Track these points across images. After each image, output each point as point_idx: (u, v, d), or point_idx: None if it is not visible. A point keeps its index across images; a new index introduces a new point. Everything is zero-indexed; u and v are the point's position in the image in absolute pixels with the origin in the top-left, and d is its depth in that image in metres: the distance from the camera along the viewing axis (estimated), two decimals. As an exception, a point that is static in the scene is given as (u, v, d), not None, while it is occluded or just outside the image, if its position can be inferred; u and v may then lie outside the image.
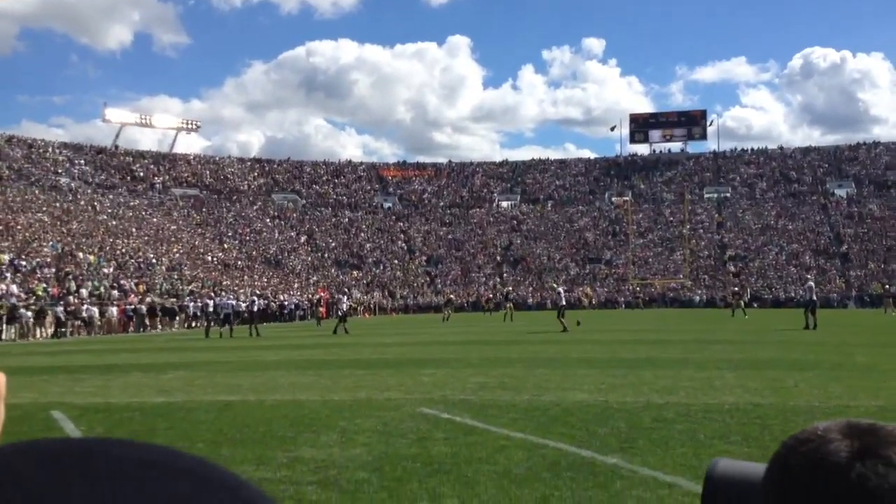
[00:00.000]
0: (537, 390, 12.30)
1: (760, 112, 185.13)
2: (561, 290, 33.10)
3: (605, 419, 9.49)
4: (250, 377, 15.37)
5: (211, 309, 36.78)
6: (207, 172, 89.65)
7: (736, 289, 58.17)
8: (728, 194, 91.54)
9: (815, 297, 30.90)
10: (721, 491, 0.99)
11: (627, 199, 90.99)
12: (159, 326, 43.68)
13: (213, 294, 45.96)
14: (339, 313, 34.98)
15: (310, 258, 78.50)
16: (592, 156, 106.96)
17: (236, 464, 7.35)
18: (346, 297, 38.98)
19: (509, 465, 7.09)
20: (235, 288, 57.36)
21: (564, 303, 31.39)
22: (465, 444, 8.09)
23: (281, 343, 27.49)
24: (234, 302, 37.11)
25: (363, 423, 9.52)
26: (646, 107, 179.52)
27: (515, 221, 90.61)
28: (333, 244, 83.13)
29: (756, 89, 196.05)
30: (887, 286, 57.77)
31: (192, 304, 46.51)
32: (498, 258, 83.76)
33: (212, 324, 35.20)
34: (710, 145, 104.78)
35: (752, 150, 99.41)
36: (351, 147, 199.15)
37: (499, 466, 7.07)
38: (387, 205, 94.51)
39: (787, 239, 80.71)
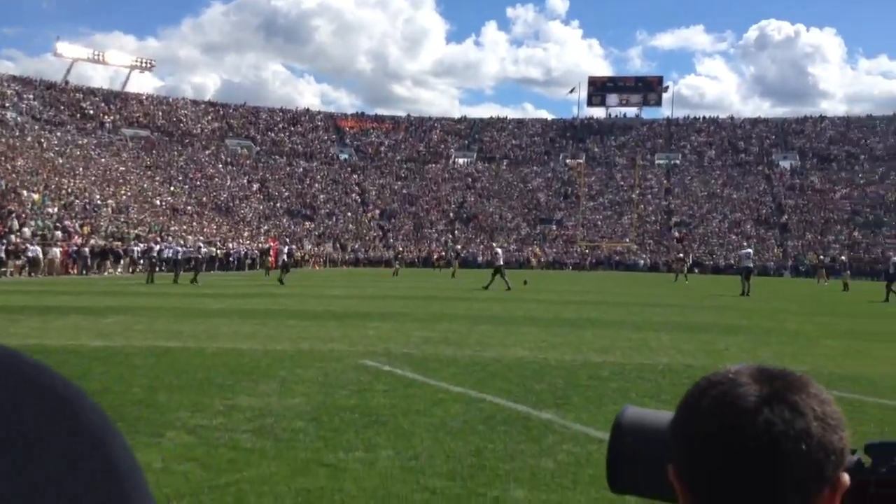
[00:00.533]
0: (479, 346, 12.50)
1: (714, 81, 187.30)
2: (499, 250, 33.73)
3: (542, 376, 9.71)
4: (192, 324, 15.32)
5: (155, 254, 36.33)
6: (160, 114, 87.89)
7: (679, 254, 59.14)
8: (678, 161, 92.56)
9: (750, 265, 31.47)
10: (629, 435, 1.02)
11: (581, 161, 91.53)
12: (105, 270, 43.02)
13: (158, 239, 45.36)
14: (281, 263, 35.08)
15: (261, 207, 77.73)
16: (550, 117, 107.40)
17: (172, 410, 7.37)
18: (286, 248, 38.70)
19: (446, 418, 7.23)
20: (183, 234, 56.68)
21: (501, 262, 31.74)
22: (403, 397, 8.22)
23: (226, 292, 27.31)
24: (179, 248, 36.61)
25: (303, 374, 9.60)
26: (605, 70, 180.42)
27: (470, 179, 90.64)
28: (286, 193, 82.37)
29: (712, 58, 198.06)
30: (822, 257, 59.26)
31: (136, 248, 45.82)
32: (451, 215, 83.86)
33: (156, 269, 34.80)
34: (665, 112, 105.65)
35: (704, 118, 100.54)
36: (309, 95, 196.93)
37: (435, 419, 7.21)
38: (343, 156, 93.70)
39: (730, 207, 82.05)
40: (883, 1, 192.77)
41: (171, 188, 72.14)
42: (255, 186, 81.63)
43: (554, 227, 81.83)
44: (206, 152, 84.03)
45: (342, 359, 10.84)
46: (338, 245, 73.64)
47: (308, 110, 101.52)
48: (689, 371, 10.14)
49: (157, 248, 37.77)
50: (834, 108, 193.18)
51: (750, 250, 33.87)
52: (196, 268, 34.07)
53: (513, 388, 8.79)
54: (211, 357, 10.96)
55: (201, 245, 37.40)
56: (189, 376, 9.34)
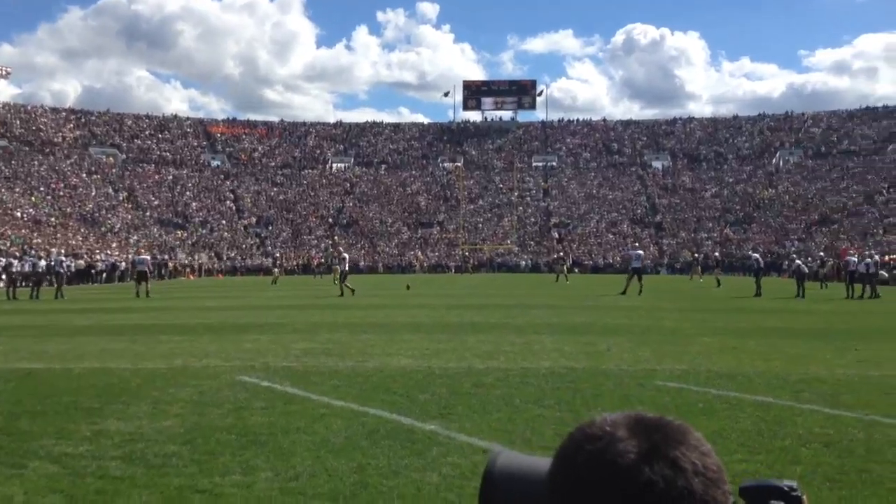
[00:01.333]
0: (361, 356, 12.23)
1: (585, 84, 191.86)
2: (346, 255, 33.77)
3: (426, 385, 9.53)
4: (57, 343, 14.46)
5: (16, 269, 34.31)
6: (18, 122, 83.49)
7: (559, 255, 60.33)
8: (554, 163, 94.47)
9: (639, 265, 32.17)
10: (501, 485, 0.93)
11: (459, 165, 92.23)
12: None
13: (18, 253, 42.98)
14: (143, 274, 32.23)
15: (130, 217, 74.85)
16: (426, 121, 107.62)
17: (35, 438, 6.89)
18: (148, 257, 36.60)
19: (328, 435, 6.97)
20: (47, 246, 53.95)
21: (347, 268, 31.96)
22: (283, 414, 7.91)
23: (93, 307, 25.97)
24: (38, 261, 34.52)
25: (177, 393, 9.14)
26: (478, 74, 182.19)
27: (348, 184, 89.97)
28: (156, 202, 79.64)
29: (581, 62, 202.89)
30: (696, 254, 61.59)
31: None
32: (330, 220, 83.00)
33: (16, 284, 32.87)
34: (539, 115, 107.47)
35: (578, 120, 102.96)
36: (176, 101, 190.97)
37: (317, 436, 6.94)
38: (214, 163, 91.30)
39: (607, 207, 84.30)
40: (743, 5, 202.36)
41: (33, 199, 68.62)
42: (123, 195, 78.55)
43: (435, 231, 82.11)
44: (69, 161, 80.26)
45: (218, 375, 10.37)
46: (213, 254, 71.71)
47: (176, 116, 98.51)
48: (572, 374, 10.17)
49: (17, 262, 35.69)
50: (701, 109, 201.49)
51: (641, 252, 34.61)
52: (59, 282, 32.23)
53: (396, 400, 8.58)
54: (77, 378, 10.33)
55: (63, 258, 35.43)
56: (54, 400, 8.75)
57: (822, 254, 52.65)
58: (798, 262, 33.14)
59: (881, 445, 6.55)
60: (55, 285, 32.50)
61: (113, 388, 9.51)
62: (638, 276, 31.18)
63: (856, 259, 30.66)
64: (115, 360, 12.10)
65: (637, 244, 48.35)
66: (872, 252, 38.14)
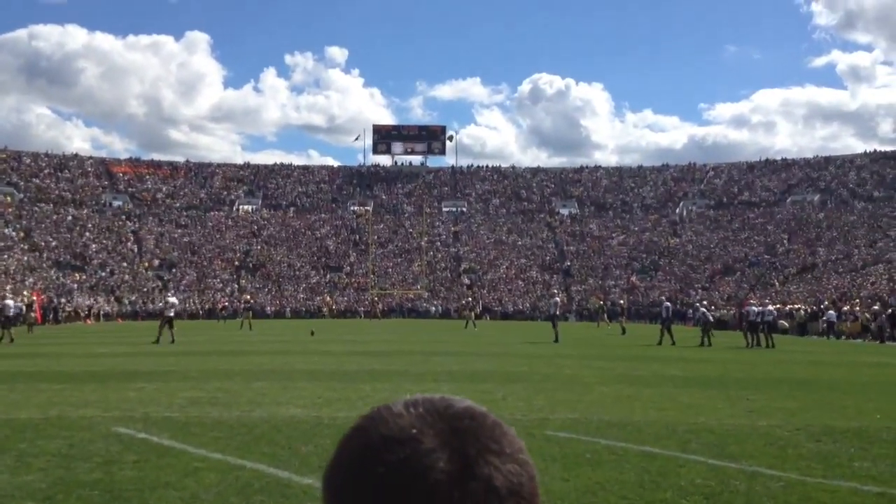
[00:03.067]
0: (250, 405, 11.82)
1: (494, 131, 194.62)
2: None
3: (312, 436, 9.23)
4: (-76, 392, 13.57)
5: None
6: None
7: (467, 301, 60.42)
8: (464, 209, 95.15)
9: (557, 312, 32.35)
10: None
11: (369, 209, 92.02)
12: None
13: None
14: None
15: (26, 258, 71.94)
16: (335, 164, 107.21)
17: None
18: (12, 301, 34.64)
19: (198, 490, 6.63)
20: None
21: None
22: (155, 468, 7.50)
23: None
24: None
25: (46, 445, 8.62)
26: (388, 119, 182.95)
27: (256, 227, 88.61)
28: (54, 243, 76.80)
29: (490, 110, 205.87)
30: (603, 302, 62.48)
31: None
32: (236, 263, 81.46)
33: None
34: (449, 160, 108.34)
35: (488, 167, 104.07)
36: (78, 140, 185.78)
37: (186, 492, 6.59)
38: (116, 203, 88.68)
39: (516, 253, 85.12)
40: (645, 59, 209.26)
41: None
42: (19, 236, 75.56)
43: (344, 276, 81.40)
44: (-37, 199, 77.00)
45: (93, 426, 9.84)
46: (112, 298, 69.41)
47: (77, 155, 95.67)
48: (463, 423, 9.98)
49: None
50: (606, 158, 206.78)
51: (558, 299, 34.82)
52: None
53: (277, 452, 8.25)
54: (-61, 429, 9.64)
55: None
56: None
57: (702, 304, 53.92)
58: (703, 310, 33.76)
59: (761, 497, 6.55)
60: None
61: (-24, 441, 8.91)
62: (554, 322, 31.40)
63: (756, 309, 31.46)
64: (-14, 409, 11.39)
65: (556, 291, 48.68)
66: (767, 302, 39.37)
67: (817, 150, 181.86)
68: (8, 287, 61.46)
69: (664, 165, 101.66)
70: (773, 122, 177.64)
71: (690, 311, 54.59)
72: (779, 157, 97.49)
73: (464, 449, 0.74)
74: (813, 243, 75.13)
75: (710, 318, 33.23)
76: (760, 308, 31.83)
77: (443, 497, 0.71)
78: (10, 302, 33.69)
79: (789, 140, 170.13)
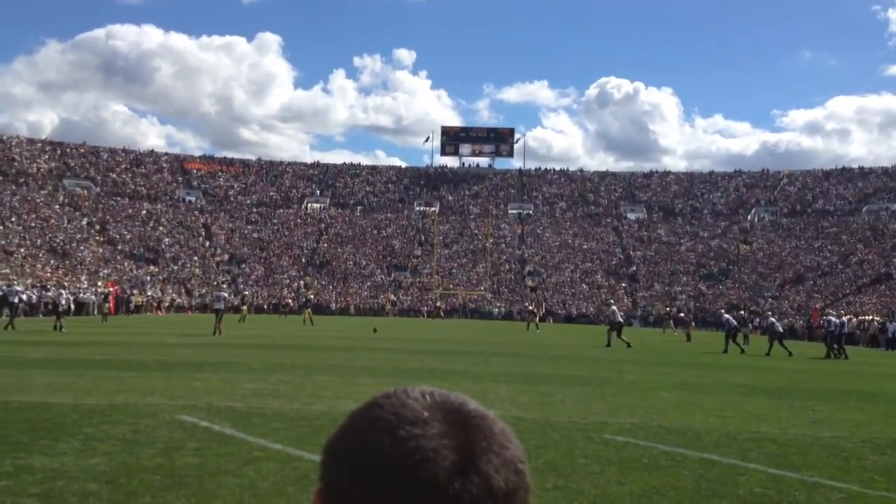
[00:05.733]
0: (310, 399, 11.98)
1: (560, 135, 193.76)
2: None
3: (369, 431, 9.28)
4: (1, 375, 14.06)
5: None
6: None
7: (529, 305, 60.18)
8: (530, 211, 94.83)
9: (619, 319, 31.83)
10: None
11: (435, 209, 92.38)
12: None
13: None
14: (59, 309, 31.67)
15: (101, 250, 74.06)
16: (402, 164, 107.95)
17: (-44, 472, 6.62)
18: (64, 292, 35.60)
19: (256, 479, 6.75)
20: (13, 277, 53.18)
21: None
22: (215, 455, 7.65)
23: (49, 339, 25.47)
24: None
25: (111, 430, 8.85)
26: (454, 120, 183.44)
27: (323, 225, 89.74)
28: (129, 236, 78.90)
29: (556, 113, 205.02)
30: (669, 308, 61.56)
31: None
32: (303, 260, 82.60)
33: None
34: (516, 163, 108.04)
35: (555, 170, 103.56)
36: (153, 137, 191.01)
37: (244, 480, 6.71)
38: (189, 198, 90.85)
39: (581, 257, 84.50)
40: (716, 64, 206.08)
41: (2, 228, 67.80)
42: (95, 229, 77.81)
43: (409, 275, 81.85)
44: (42, 192, 79.52)
45: (157, 413, 10.09)
46: (184, 290, 70.97)
47: (153, 151, 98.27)
48: (520, 424, 9.95)
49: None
50: (675, 163, 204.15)
51: (615, 307, 34.26)
52: (12, 313, 31.37)
53: (335, 445, 8.32)
54: (13, 412, 10.00)
55: (18, 289, 34.61)
56: (-18, 433, 8.45)
57: (768, 313, 52.74)
58: (772, 319, 33.07)
59: (821, 508, 6.40)
60: (9, 316, 31.71)
61: (47, 423, 9.21)
62: (617, 330, 30.80)
63: (835, 320, 30.64)
64: (58, 394, 11.76)
65: (612, 301, 48.09)
66: (842, 313, 38.37)
67: (894, 158, 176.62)
68: (83, 277, 63.39)
69: (736, 171, 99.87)
70: (848, 130, 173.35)
71: (758, 319, 53.52)
72: (855, 166, 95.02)
73: (470, 443, 0.77)
74: (888, 253, 72.93)
75: (779, 328, 32.52)
76: (840, 319, 31.07)
77: (443, 483, 0.73)
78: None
79: (864, 148, 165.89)
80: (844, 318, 31.58)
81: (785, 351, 29.57)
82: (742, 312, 54.99)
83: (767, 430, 10.46)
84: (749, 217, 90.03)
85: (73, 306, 44.84)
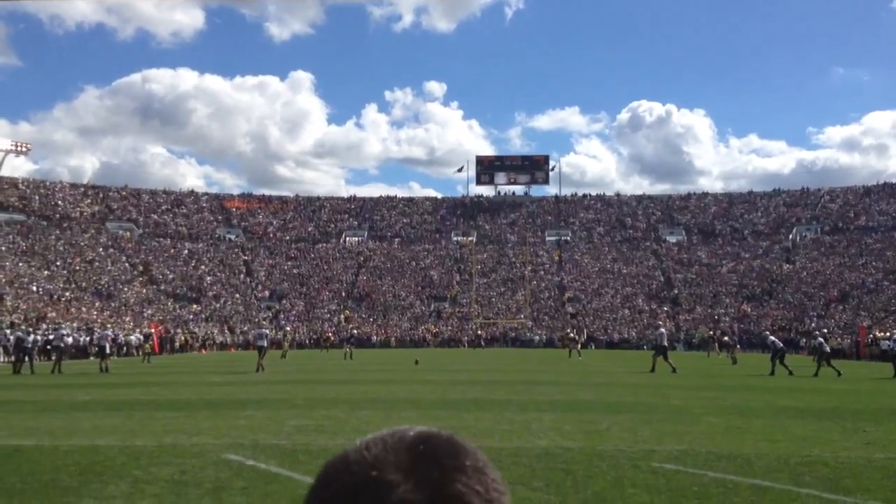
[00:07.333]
0: (355, 434, 11.96)
1: (594, 160, 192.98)
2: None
3: (414, 465, 9.25)
4: (50, 419, 14.27)
5: (29, 344, 33.94)
6: (37, 197, 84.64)
7: (569, 331, 59.71)
8: (568, 237, 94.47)
9: (665, 343, 31.44)
10: None
11: (472, 239, 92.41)
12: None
13: (27, 329, 42.86)
14: (105, 351, 32.08)
15: (145, 290, 75.10)
16: (438, 195, 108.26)
17: (5, 518, 6.70)
18: (109, 333, 35.81)
19: (303, 518, 6.71)
20: (59, 320, 54.07)
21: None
22: (262, 494, 7.68)
23: (96, 381, 25.77)
24: (26, 336, 33.57)
25: (159, 472, 8.93)
26: (486, 149, 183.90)
27: (362, 258, 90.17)
28: (171, 276, 79.94)
29: (588, 139, 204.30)
30: (712, 331, 60.68)
31: (11, 336, 43.13)
32: (343, 294, 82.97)
33: (24, 358, 32.55)
34: (551, 190, 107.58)
35: (591, 195, 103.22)
36: (192, 177, 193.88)
37: (291, 519, 6.70)
38: (230, 236, 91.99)
39: (622, 282, 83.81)
40: (748, 84, 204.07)
41: (48, 273, 69.08)
42: (138, 270, 78.95)
43: (448, 305, 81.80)
44: (86, 236, 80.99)
45: (204, 453, 10.15)
46: (226, 328, 71.57)
47: (193, 191, 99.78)
48: (566, 454, 9.87)
49: (13, 336, 35.29)
50: (711, 184, 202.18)
51: (664, 329, 33.90)
52: (58, 356, 31.79)
53: (380, 481, 8.30)
54: (63, 456, 10.13)
55: (64, 332, 35.10)
56: (35, 478, 8.59)
57: (825, 331, 51.78)
58: (820, 339, 32.46)
59: (879, 534, 6.24)
60: (56, 360, 32.12)
61: (96, 466, 9.32)
62: (662, 353, 30.44)
63: (890, 341, 29.95)
64: (106, 436, 11.90)
65: (661, 323, 47.50)
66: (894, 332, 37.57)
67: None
68: (127, 318, 64.23)
69: (775, 191, 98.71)
70: (886, 146, 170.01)
71: (804, 339, 52.58)
72: (895, 180, 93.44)
73: (427, 474, 0.74)
74: (935, 269, 71.46)
75: (827, 347, 31.90)
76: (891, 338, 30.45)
77: None
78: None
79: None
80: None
81: (834, 371, 29.01)
82: (792, 334, 54.06)
83: (819, 453, 10.25)
84: (791, 236, 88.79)
85: (116, 348, 45.35)
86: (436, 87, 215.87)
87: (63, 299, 64.30)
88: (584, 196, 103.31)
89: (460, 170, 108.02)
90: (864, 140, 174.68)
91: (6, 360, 41.83)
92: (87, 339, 48.23)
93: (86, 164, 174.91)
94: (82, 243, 78.74)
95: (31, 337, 33.73)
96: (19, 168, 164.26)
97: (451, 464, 0.75)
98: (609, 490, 7.82)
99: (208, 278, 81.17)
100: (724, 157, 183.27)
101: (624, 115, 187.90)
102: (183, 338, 61.18)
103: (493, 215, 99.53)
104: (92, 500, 7.49)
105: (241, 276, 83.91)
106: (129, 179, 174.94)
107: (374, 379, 25.49)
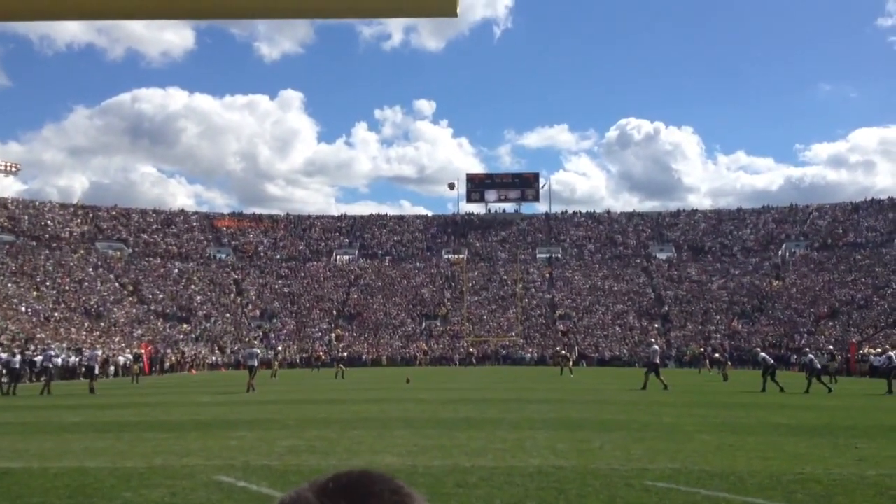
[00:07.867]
0: (347, 454, 11.92)
1: (583, 177, 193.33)
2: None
3: (408, 485, 9.19)
4: (39, 441, 14.15)
5: (17, 365, 33.79)
6: (26, 217, 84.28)
7: (561, 349, 59.65)
8: (559, 255, 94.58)
9: (657, 360, 31.34)
10: None
11: (463, 256, 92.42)
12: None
13: (14, 350, 42.64)
14: (94, 372, 31.38)
15: (134, 310, 74.74)
16: (429, 213, 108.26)
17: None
18: (99, 354, 35.27)
19: (295, 540, 6.66)
20: (48, 341, 53.75)
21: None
22: (253, 516, 7.61)
23: (85, 402, 25.59)
24: (13, 357, 33.33)
25: (150, 494, 8.86)
26: (476, 167, 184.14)
27: (353, 276, 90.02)
28: (161, 296, 79.62)
29: (578, 156, 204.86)
30: (703, 348, 60.75)
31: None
32: (334, 313, 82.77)
33: (18, 380, 32.35)
34: (542, 207, 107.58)
35: (581, 213, 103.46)
36: (182, 196, 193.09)
37: (283, 541, 6.63)
38: (220, 256, 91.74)
39: (612, 299, 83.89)
40: (735, 101, 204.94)
41: (37, 293, 68.72)
42: (128, 289, 78.60)
43: (439, 323, 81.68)
44: (75, 256, 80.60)
45: (195, 475, 10.07)
46: (216, 347, 71.26)
47: (183, 211, 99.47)
48: (559, 473, 9.84)
49: (15, 357, 35.16)
50: (700, 201, 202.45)
51: (657, 346, 33.84)
52: (48, 377, 31.55)
53: (373, 501, 8.25)
54: (53, 478, 10.04)
55: (52, 353, 34.84)
56: (24, 501, 8.53)
57: (830, 347, 52.00)
58: (811, 356, 32.61)
59: (873, 551, 6.23)
60: (46, 382, 31.88)
61: (86, 489, 9.24)
62: (654, 371, 30.32)
63: (881, 357, 30.10)
64: (95, 458, 11.81)
65: (653, 340, 47.52)
66: (888, 348, 37.67)
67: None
68: (117, 338, 63.91)
69: (764, 207, 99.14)
70: (873, 162, 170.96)
71: (795, 356, 52.67)
72: (883, 197, 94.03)
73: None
74: (924, 285, 71.77)
75: (818, 364, 31.98)
76: (883, 353, 30.57)
77: None
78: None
79: (891, 179, 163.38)
80: (892, 353, 31.05)
81: (824, 388, 29.07)
82: (783, 351, 54.16)
83: (812, 470, 10.25)
84: (780, 252, 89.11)
85: (105, 369, 45.09)
86: (425, 106, 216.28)
87: (52, 320, 63.96)
88: (575, 213, 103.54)
89: (452, 187, 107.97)
90: (850, 157, 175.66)
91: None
92: (77, 359, 48.00)
93: (75, 184, 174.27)
94: (72, 263, 78.36)
95: (18, 357, 33.51)
96: (8, 188, 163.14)
97: (358, 492, 0.76)
98: (602, 509, 7.80)
99: (198, 298, 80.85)
100: (712, 174, 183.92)
101: (613, 133, 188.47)
102: (173, 358, 60.87)
103: (483, 233, 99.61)
104: (81, 524, 7.41)
105: (232, 295, 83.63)
106: (119, 199, 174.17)
107: (366, 398, 25.39)
